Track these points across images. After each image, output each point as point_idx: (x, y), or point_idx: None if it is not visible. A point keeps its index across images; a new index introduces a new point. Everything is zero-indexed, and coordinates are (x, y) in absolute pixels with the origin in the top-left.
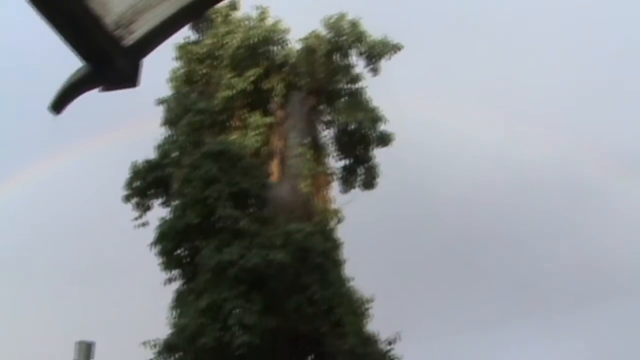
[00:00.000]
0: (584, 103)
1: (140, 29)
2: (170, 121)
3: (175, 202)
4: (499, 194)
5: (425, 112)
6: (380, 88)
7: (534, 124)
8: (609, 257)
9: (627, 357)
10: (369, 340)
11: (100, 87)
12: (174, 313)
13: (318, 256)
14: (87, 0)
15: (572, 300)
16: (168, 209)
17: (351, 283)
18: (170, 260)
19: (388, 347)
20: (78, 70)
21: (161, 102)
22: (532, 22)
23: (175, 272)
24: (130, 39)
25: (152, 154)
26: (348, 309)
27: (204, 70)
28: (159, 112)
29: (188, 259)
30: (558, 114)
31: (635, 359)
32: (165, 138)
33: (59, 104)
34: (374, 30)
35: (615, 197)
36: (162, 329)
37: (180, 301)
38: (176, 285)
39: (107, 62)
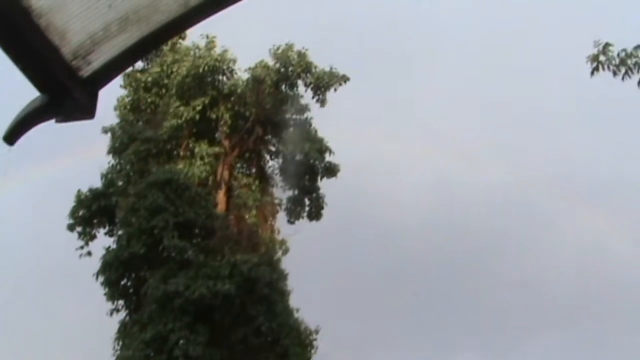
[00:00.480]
0: (535, 132)
1: (98, 59)
2: (116, 149)
3: (120, 232)
4: (446, 221)
5: (373, 141)
6: (328, 118)
7: (483, 151)
8: (557, 283)
9: None
10: None
11: (56, 118)
12: (118, 344)
13: (264, 287)
14: (45, 30)
15: (524, 329)
16: (113, 239)
17: (297, 314)
18: (114, 291)
19: None
20: (33, 101)
21: (107, 130)
22: (478, 56)
23: (120, 303)
24: (87, 70)
25: (97, 182)
26: (294, 340)
27: (151, 99)
28: (105, 140)
29: (133, 290)
30: (509, 142)
31: None
32: (110, 166)
33: (12, 135)
34: (321, 61)
35: (563, 224)
36: None
37: (125, 332)
38: (121, 315)
39: (64, 93)
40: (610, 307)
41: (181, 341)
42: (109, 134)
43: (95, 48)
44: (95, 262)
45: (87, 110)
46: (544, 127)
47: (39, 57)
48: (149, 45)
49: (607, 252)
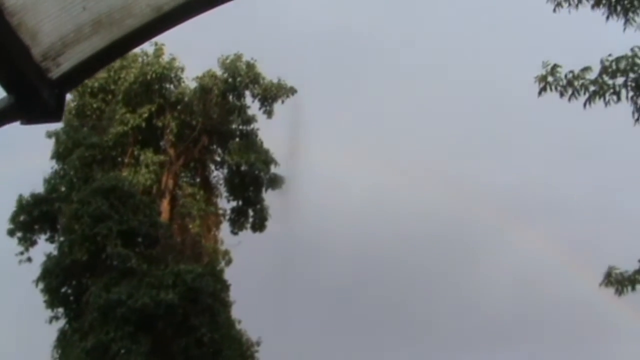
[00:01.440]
0: (475, 156)
1: (68, 61)
2: (59, 155)
3: (62, 238)
4: (387, 241)
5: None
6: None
7: (425, 175)
8: (491, 306)
9: None
10: None
11: (22, 120)
12: (57, 353)
13: (207, 298)
14: (16, 29)
15: (462, 348)
16: (54, 245)
17: (239, 326)
18: (55, 298)
19: None
20: None
21: (51, 134)
22: (423, 76)
23: (60, 310)
24: (56, 72)
25: (39, 187)
26: (235, 352)
27: (97, 104)
28: (49, 144)
29: (74, 297)
30: (448, 169)
31: None
32: (54, 172)
33: None
34: (270, 72)
35: (499, 248)
36: None
37: (65, 341)
38: (60, 323)
39: (32, 94)
40: (548, 326)
41: (122, 351)
42: (53, 139)
43: (66, 50)
44: (36, 269)
45: (54, 113)
46: (486, 146)
47: (8, 56)
48: (119, 49)
49: (544, 270)
